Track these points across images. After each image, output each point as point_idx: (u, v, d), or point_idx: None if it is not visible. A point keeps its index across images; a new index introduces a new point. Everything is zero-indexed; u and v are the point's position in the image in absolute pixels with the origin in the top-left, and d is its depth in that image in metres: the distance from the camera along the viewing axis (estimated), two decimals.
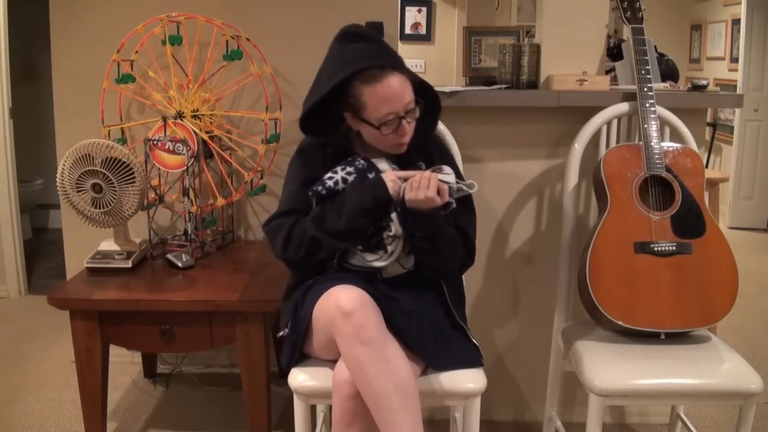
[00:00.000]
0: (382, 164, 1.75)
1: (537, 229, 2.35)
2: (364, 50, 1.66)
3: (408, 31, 5.31)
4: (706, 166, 4.14)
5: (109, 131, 2.46)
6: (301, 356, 1.70)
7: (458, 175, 1.75)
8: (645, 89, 1.98)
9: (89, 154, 2.12)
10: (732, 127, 5.52)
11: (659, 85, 2.29)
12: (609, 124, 2.09)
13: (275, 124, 2.46)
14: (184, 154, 2.25)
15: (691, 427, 2.02)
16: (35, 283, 3.90)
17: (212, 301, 1.98)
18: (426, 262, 1.75)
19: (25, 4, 4.47)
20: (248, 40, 2.45)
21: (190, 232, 2.34)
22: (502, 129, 2.29)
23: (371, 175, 1.69)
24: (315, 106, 1.68)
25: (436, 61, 5.27)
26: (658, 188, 1.91)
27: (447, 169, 1.68)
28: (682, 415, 2.11)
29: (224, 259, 2.39)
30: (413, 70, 1.74)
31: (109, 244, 2.28)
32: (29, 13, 4.52)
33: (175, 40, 2.34)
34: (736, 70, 5.45)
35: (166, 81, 2.41)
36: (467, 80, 2.85)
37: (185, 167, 2.27)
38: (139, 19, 2.41)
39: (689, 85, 2.26)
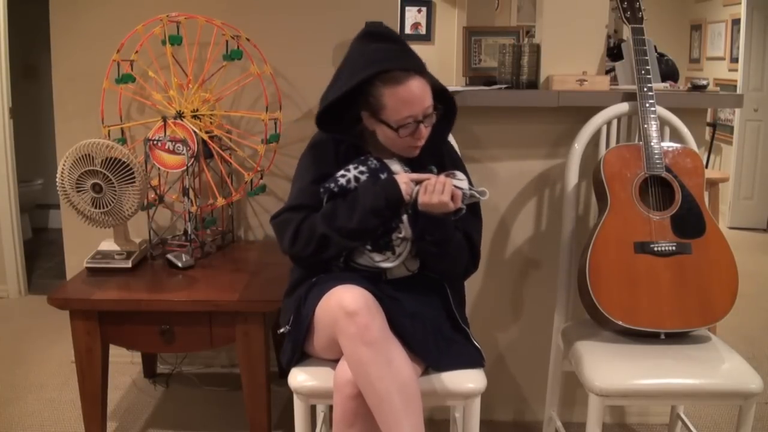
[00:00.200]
0: (395, 166, 1.75)
1: (537, 229, 2.35)
2: (388, 51, 1.66)
3: (408, 31, 5.32)
4: (706, 166, 4.14)
5: (109, 131, 2.46)
6: (302, 355, 1.70)
7: (469, 182, 1.76)
8: (645, 89, 1.98)
9: (89, 154, 2.12)
10: (732, 127, 5.52)
11: (659, 85, 2.29)
12: (609, 124, 2.09)
13: (275, 124, 2.46)
14: (184, 154, 2.25)
15: (691, 427, 2.02)
16: (35, 283, 3.90)
17: (212, 301, 1.98)
18: (432, 266, 1.75)
19: (25, 4, 4.47)
20: (248, 40, 2.45)
21: (190, 232, 2.34)
22: (502, 129, 2.29)
23: (383, 176, 1.69)
24: (334, 102, 1.67)
25: (436, 61, 5.26)
26: (658, 188, 1.91)
27: (460, 175, 1.69)
28: (682, 415, 2.11)
29: (224, 259, 2.39)
30: None
31: (109, 244, 2.28)
32: (29, 13, 4.52)
33: (175, 40, 2.34)
34: (736, 70, 5.45)
35: (166, 81, 2.41)
36: (467, 80, 2.85)
37: (185, 167, 2.27)
38: (139, 19, 2.41)
39: (689, 85, 2.26)
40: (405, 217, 1.68)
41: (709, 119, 5.65)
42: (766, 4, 5.26)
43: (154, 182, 2.44)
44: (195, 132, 2.28)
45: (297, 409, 1.67)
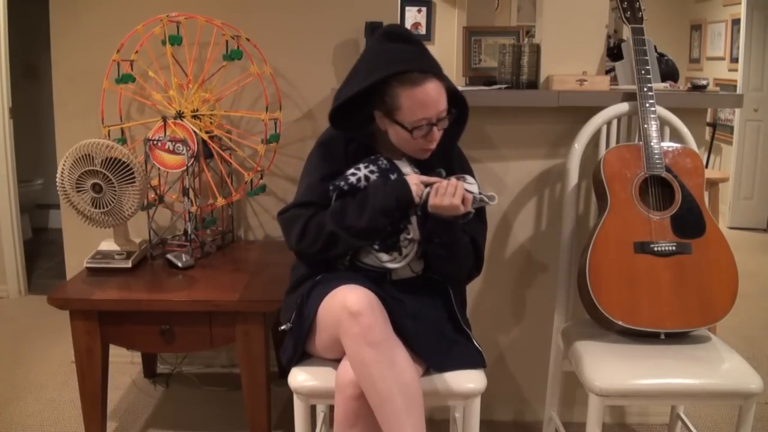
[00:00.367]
0: (406, 167, 1.74)
1: (537, 229, 2.35)
2: (407, 51, 1.66)
3: None
4: (706, 166, 4.14)
5: (109, 131, 2.46)
6: (303, 354, 1.70)
7: (478, 186, 1.76)
8: (645, 89, 1.98)
9: (89, 154, 2.12)
10: (732, 127, 5.52)
11: (659, 85, 2.29)
12: (609, 124, 2.09)
13: (275, 124, 2.46)
14: (184, 154, 2.25)
15: (691, 427, 2.02)
16: (35, 283, 3.90)
17: (212, 301, 1.98)
18: (438, 269, 1.75)
19: (25, 4, 4.47)
20: (248, 40, 2.45)
21: (190, 232, 2.34)
22: (502, 129, 2.29)
23: (393, 176, 1.69)
24: (348, 99, 1.66)
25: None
26: (658, 188, 1.91)
27: (470, 179, 1.70)
28: (682, 415, 2.11)
29: (224, 259, 2.39)
30: None
31: (109, 244, 2.28)
32: (29, 13, 4.52)
33: (175, 40, 2.34)
34: (736, 70, 5.45)
35: (166, 81, 2.41)
36: (467, 80, 2.85)
37: (185, 167, 2.26)
38: (139, 19, 2.41)
39: (689, 85, 2.26)
40: (413, 219, 1.68)
41: (709, 119, 5.65)
42: (766, 4, 5.26)
43: (154, 182, 2.44)
44: (195, 132, 2.28)
45: (297, 409, 1.67)
